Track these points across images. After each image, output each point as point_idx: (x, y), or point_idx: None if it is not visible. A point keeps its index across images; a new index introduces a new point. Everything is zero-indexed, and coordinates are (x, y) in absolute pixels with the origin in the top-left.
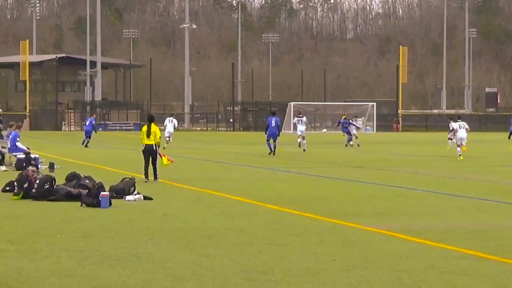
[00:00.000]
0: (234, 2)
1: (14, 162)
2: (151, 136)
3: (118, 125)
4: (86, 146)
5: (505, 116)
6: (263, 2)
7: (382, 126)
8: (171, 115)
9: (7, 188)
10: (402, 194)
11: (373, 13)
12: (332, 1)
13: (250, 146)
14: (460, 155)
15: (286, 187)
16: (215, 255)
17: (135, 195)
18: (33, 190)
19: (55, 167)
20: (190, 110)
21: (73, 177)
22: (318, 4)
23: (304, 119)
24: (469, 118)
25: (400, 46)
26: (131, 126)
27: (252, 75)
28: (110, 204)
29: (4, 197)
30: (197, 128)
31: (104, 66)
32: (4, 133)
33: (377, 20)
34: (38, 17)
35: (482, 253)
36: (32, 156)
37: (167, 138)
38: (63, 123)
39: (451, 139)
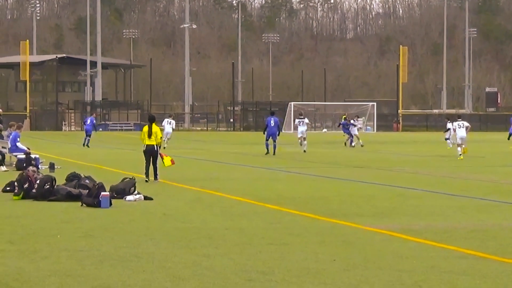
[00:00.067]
0: (234, 2)
1: (14, 162)
2: (153, 137)
3: (118, 125)
4: (87, 145)
5: (505, 116)
6: (263, 2)
7: (382, 126)
8: (169, 116)
9: (8, 188)
10: (402, 194)
11: (373, 13)
12: (332, 1)
13: (250, 146)
14: (460, 154)
15: (286, 187)
16: (215, 255)
17: (136, 195)
18: (34, 190)
19: (55, 167)
20: (190, 110)
21: (73, 177)
22: (318, 4)
23: (306, 120)
24: (469, 118)
25: (400, 46)
26: (131, 126)
27: (252, 75)
28: (111, 204)
29: (5, 197)
30: (197, 128)
31: (104, 66)
32: (4, 133)
33: (377, 20)
34: (38, 17)
35: (482, 253)
36: (33, 156)
37: (165, 139)
38: (63, 123)
39: (448, 139)
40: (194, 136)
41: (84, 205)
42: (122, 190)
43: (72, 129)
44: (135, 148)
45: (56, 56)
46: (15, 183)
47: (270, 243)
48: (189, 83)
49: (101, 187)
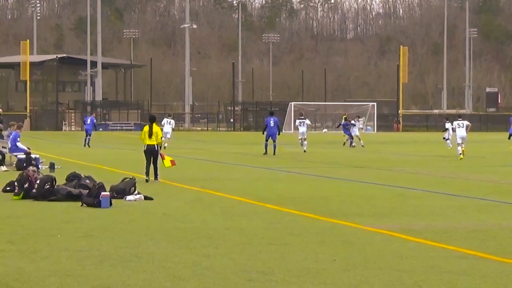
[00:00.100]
0: (234, 2)
1: (14, 162)
2: (153, 137)
3: (118, 125)
4: (88, 145)
5: (505, 116)
6: (264, 2)
7: (382, 126)
8: (168, 116)
9: (8, 188)
10: (402, 194)
11: (373, 13)
12: (332, 1)
13: (251, 146)
14: (460, 153)
15: (286, 187)
16: (215, 255)
17: (136, 195)
18: (34, 190)
19: (55, 167)
20: (190, 110)
21: (73, 177)
22: (319, 4)
23: (307, 121)
24: (469, 118)
25: (401, 46)
26: (131, 126)
27: (253, 75)
28: (111, 204)
29: (5, 197)
30: (198, 128)
31: (105, 66)
32: (4, 133)
33: (378, 20)
34: (38, 17)
35: (482, 253)
36: (33, 156)
37: (165, 138)
38: (63, 123)
39: (446, 139)
40: (194, 136)
41: (84, 205)
42: (122, 190)
43: (72, 129)
44: (135, 148)
45: (57, 56)
46: (15, 183)
47: (270, 243)
48: (190, 83)
49: (101, 187)
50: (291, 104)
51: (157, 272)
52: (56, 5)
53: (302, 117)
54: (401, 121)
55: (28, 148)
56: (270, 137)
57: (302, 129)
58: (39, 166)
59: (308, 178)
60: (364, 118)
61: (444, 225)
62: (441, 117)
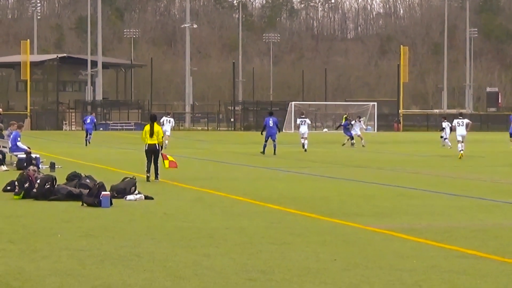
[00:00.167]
0: (235, 1)
1: (15, 162)
2: (154, 136)
3: (119, 124)
4: (88, 142)
5: (506, 116)
6: (264, 1)
7: (383, 125)
8: (168, 114)
9: (8, 188)
10: (403, 194)
11: (374, 13)
12: (333, 1)
13: (251, 145)
14: (460, 151)
15: (287, 187)
16: (215, 254)
17: (136, 194)
18: (34, 190)
19: (56, 166)
20: (191, 110)
21: (74, 177)
22: (319, 3)
23: (308, 120)
24: (470, 118)
25: (401, 46)
26: (132, 126)
27: (253, 75)
28: (111, 203)
29: (5, 196)
30: (198, 127)
31: (105, 65)
32: (5, 132)
33: (378, 20)
34: (39, 17)
35: (483, 252)
36: (33, 155)
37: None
38: (64, 122)
39: (445, 138)
40: (194, 135)
41: (84, 204)
42: (122, 190)
43: (72, 128)
44: (135, 147)
45: (57, 56)
46: (16, 183)
47: (271, 243)
48: (190, 83)
49: (102, 187)
50: (291, 104)
51: (157, 272)
52: (57, 5)
53: (303, 116)
54: (401, 120)
55: (29, 148)
56: (270, 137)
57: (303, 128)
58: (40, 166)
59: (308, 178)
60: (364, 118)
61: (445, 224)
62: (440, 117)
